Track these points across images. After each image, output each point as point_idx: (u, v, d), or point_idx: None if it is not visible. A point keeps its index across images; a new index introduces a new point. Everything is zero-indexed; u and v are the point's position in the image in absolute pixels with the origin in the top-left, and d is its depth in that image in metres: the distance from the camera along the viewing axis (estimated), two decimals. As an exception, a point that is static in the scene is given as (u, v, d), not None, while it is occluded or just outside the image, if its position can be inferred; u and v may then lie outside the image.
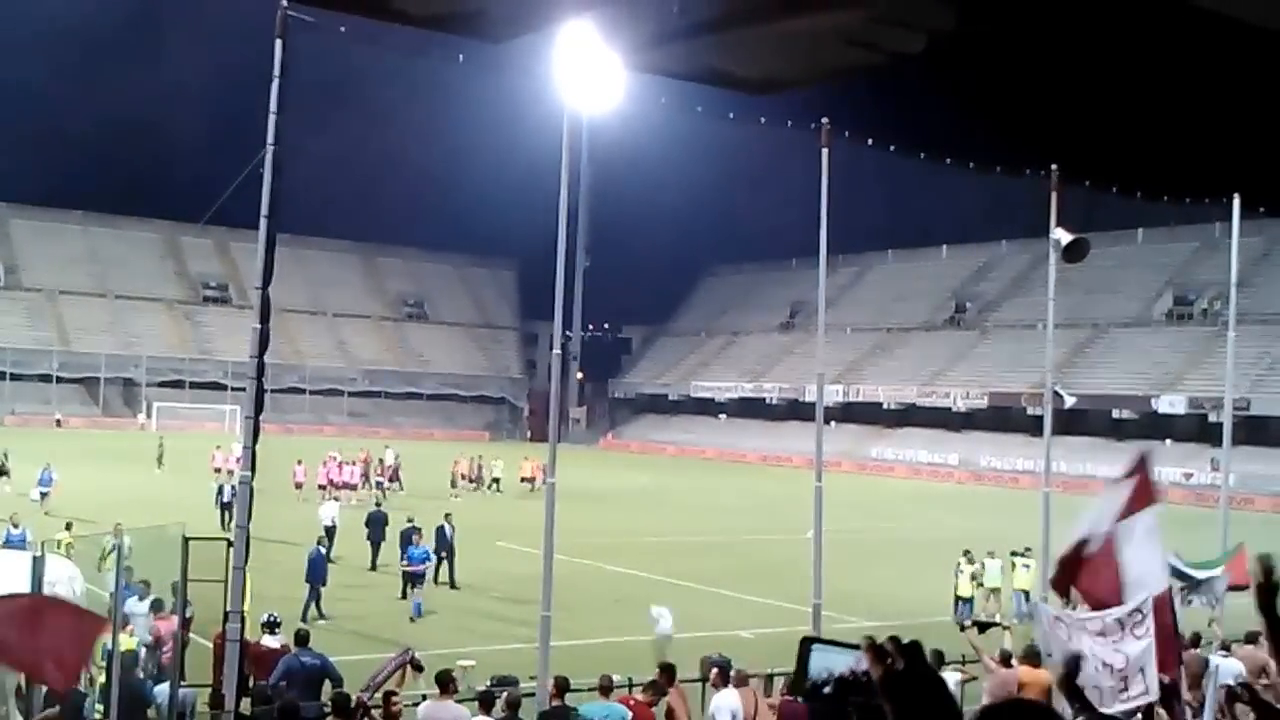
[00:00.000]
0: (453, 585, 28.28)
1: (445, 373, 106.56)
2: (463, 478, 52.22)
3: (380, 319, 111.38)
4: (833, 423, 72.88)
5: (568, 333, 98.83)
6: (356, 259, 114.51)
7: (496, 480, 52.61)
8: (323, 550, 25.99)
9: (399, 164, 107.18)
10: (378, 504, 33.71)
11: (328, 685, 14.26)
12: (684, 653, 16.07)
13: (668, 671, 14.35)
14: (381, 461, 51.13)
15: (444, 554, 28.54)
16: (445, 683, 12.96)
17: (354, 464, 47.59)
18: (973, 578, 27.55)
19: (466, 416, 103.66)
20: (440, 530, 28.88)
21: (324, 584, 24.94)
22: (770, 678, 15.28)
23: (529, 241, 52.63)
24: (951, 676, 15.52)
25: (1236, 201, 25.87)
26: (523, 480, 51.84)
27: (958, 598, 27.30)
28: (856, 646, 4.37)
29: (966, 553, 27.62)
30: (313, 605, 24.10)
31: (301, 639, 15.74)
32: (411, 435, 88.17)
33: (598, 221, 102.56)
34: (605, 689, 13.89)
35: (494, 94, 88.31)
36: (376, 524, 30.41)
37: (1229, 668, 15.75)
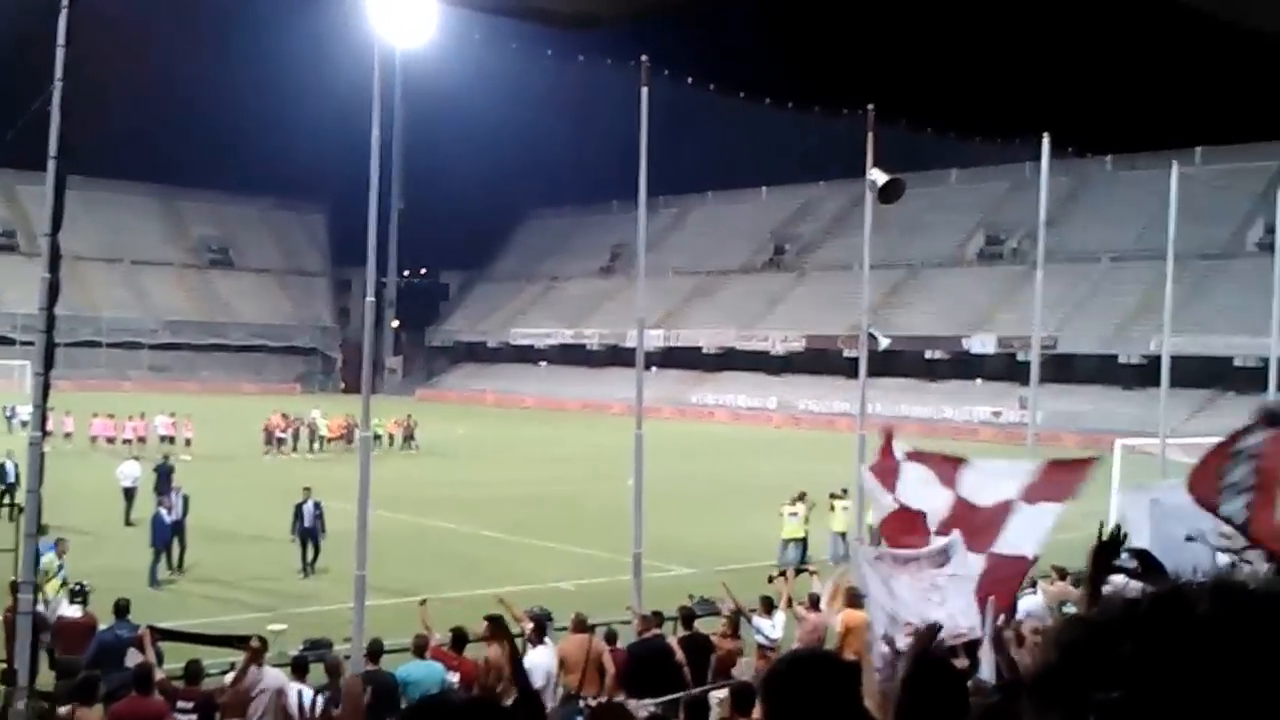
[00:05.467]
0: (310, 569, 24.71)
1: (252, 322, 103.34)
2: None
3: (182, 266, 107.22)
4: (653, 368, 73.07)
5: (381, 279, 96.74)
6: (155, 202, 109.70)
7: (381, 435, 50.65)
8: (163, 512, 24.19)
9: (200, 101, 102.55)
10: (165, 457, 31.89)
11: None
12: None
13: (495, 623, 13.98)
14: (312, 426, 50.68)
15: (305, 538, 24.92)
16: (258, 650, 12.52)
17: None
18: (807, 520, 27.75)
19: (276, 368, 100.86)
20: (298, 510, 25.18)
21: (167, 547, 23.94)
22: (592, 628, 14.98)
23: (340, 183, 51.18)
24: (779, 618, 15.47)
25: (1046, 141, 26.41)
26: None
27: (788, 540, 27.43)
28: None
29: (803, 495, 27.70)
30: (158, 569, 23.38)
31: (119, 610, 15.00)
32: (218, 389, 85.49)
33: (412, 163, 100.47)
34: (420, 649, 13.46)
35: (301, 27, 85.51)
36: (160, 476, 28.51)
37: (1029, 604, 15.99)
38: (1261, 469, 9.81)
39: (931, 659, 4.26)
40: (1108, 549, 4.46)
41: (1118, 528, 4.56)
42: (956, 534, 8.42)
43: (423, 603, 14.81)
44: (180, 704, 11.85)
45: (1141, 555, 5.70)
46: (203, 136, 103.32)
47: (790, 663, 3.06)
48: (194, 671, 12.49)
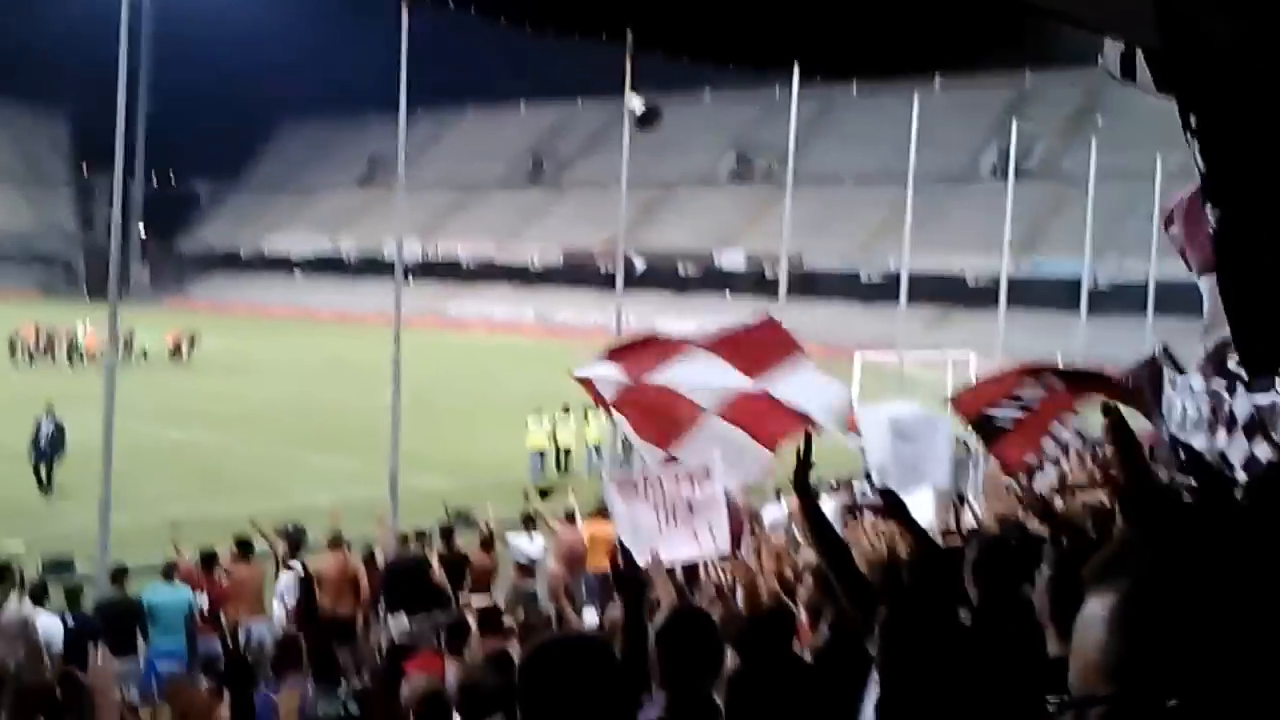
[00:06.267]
0: (47, 488, 23.97)
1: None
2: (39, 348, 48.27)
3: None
4: (411, 280, 72.23)
5: (129, 184, 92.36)
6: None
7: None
8: None
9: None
10: None
11: None
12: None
13: (242, 544, 13.95)
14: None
15: (42, 456, 24.01)
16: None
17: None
18: (551, 435, 28.41)
19: (15, 276, 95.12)
20: (37, 426, 24.24)
21: None
22: (348, 544, 15.00)
23: (84, 85, 48.41)
24: (538, 541, 15.73)
25: (796, 70, 27.41)
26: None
27: (535, 451, 28.15)
28: None
29: (566, 409, 28.30)
30: None
31: None
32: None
33: (162, 65, 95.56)
34: (168, 572, 13.26)
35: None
36: None
37: (773, 515, 16.86)
38: (1026, 420, 10.69)
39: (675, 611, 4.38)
40: (800, 469, 4.75)
41: (809, 446, 4.82)
42: (718, 453, 8.75)
43: (175, 526, 14.59)
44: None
45: (886, 494, 6.22)
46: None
47: (541, 651, 2.88)
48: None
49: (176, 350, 50.42)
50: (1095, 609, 1.21)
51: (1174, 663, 1.12)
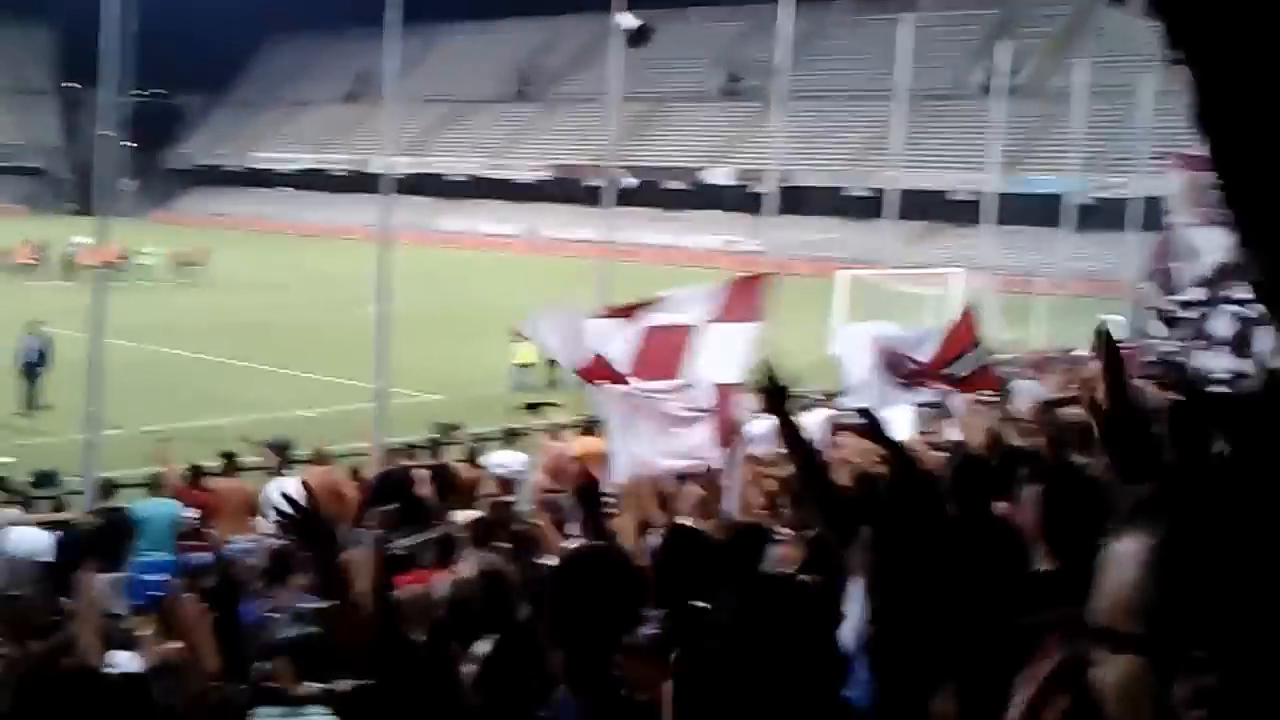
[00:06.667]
0: (32, 406, 23.78)
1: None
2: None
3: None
4: (398, 195, 71.71)
5: (116, 98, 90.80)
6: None
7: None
8: None
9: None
10: None
11: None
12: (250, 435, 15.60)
13: (228, 458, 14.04)
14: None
15: (27, 373, 23.87)
16: None
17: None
18: (539, 350, 28.26)
19: (1, 189, 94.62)
20: (25, 343, 24.15)
21: None
22: (333, 458, 15.03)
23: (69, -5, 47.72)
24: (521, 455, 15.74)
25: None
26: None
27: (519, 365, 28.08)
28: None
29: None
30: None
31: None
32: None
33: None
34: (155, 485, 13.31)
35: None
36: None
37: (760, 428, 16.87)
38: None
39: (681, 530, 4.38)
40: (776, 393, 4.74)
41: (771, 375, 4.77)
42: (700, 369, 8.78)
43: (164, 441, 14.59)
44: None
45: (864, 414, 6.23)
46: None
47: (571, 563, 2.99)
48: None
49: (180, 266, 50.55)
50: (1129, 547, 1.19)
51: (1208, 614, 1.10)
